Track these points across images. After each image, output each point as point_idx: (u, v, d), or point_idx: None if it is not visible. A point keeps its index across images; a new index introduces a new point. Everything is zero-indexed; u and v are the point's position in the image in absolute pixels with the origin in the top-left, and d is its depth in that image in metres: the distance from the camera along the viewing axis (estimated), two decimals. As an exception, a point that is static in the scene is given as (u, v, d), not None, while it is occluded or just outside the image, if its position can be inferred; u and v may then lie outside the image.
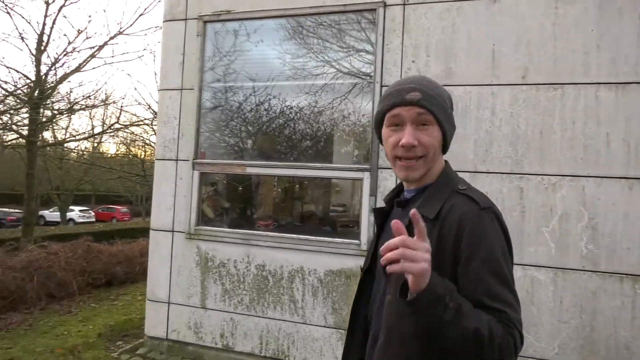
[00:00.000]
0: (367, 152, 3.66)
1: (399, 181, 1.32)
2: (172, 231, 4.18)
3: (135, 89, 38.04)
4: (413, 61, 3.55)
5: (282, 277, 3.86)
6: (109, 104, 9.84)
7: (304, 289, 3.76)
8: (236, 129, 4.29)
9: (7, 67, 7.82)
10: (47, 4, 8.26)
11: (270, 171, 4.08)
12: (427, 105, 1.17)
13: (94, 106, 9.16)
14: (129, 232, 12.88)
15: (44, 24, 8.31)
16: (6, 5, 7.24)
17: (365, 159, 3.71)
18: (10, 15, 7.44)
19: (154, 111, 11.96)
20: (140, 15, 9.27)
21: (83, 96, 9.32)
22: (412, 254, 0.93)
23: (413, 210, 0.96)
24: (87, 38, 8.66)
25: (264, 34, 4.10)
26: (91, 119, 14.25)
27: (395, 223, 0.95)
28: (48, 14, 8.29)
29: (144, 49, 9.33)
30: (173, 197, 4.18)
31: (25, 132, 8.43)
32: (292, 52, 3.99)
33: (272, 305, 3.86)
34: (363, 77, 3.77)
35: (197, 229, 4.08)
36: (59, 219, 28.83)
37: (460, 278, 1.07)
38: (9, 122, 8.51)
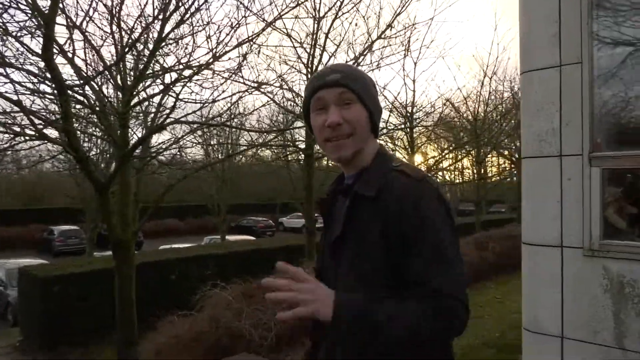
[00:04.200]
0: None
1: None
2: (561, 246, 3.31)
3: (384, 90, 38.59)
4: None
5: None
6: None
7: None
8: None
9: (290, 90, 8.24)
10: (316, 19, 8.51)
11: None
12: (348, 84, 1.19)
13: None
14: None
15: (315, 42, 8.62)
16: (287, 30, 7.53)
17: None
18: (292, 39, 7.75)
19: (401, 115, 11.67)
20: (397, 14, 8.82)
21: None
22: (299, 298, 1.00)
23: (278, 264, 1.05)
24: (349, 46, 8.67)
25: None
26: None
27: (280, 265, 1.04)
28: (316, 31, 8.60)
29: (406, 49, 8.89)
30: (558, 202, 3.31)
31: (302, 147, 8.97)
32: None
33: None
34: None
35: (603, 243, 3.11)
36: (297, 226, 32.00)
37: (404, 256, 1.08)
38: (290, 138, 9.22)
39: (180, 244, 16.17)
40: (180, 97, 5.42)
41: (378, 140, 1.30)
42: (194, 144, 7.81)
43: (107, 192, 5.73)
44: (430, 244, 1.06)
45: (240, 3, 5.53)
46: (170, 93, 5.47)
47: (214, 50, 4.64)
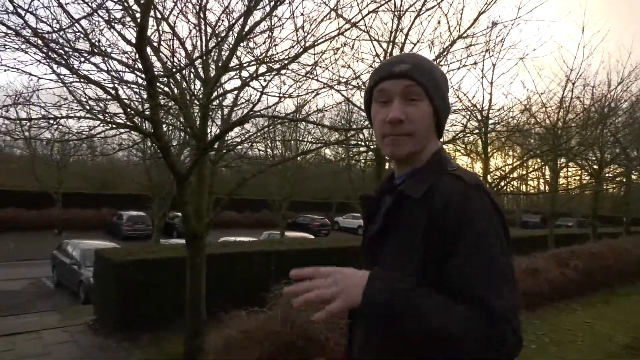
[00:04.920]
0: None
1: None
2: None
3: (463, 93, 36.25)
4: None
5: None
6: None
7: None
8: None
9: (359, 88, 7.99)
10: (398, 17, 8.24)
11: None
12: (417, 77, 1.09)
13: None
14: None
15: (394, 39, 8.35)
16: (367, 30, 7.26)
17: None
18: (370, 36, 7.52)
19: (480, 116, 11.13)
20: (481, 13, 8.35)
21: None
22: (325, 294, 0.94)
23: (292, 272, 0.98)
24: (429, 45, 8.33)
25: None
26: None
27: (294, 273, 0.98)
28: (396, 28, 8.32)
29: (490, 49, 8.39)
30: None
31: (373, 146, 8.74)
32: None
33: None
34: None
35: None
36: (353, 226, 31.89)
37: (448, 262, 0.98)
38: (363, 137, 9.04)
39: (240, 237, 16.43)
40: (264, 90, 5.36)
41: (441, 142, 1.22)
42: (268, 139, 7.83)
43: (186, 183, 5.79)
44: (478, 253, 0.96)
45: (324, 3, 5.40)
46: (254, 86, 5.43)
47: (303, 43, 4.52)
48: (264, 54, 4.92)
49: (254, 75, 4.98)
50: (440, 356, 0.94)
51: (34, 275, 15.04)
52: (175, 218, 25.25)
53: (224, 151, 6.90)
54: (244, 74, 5.98)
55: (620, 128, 15.02)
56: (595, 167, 15.86)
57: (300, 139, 11.87)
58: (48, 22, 4.79)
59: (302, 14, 4.52)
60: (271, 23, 5.24)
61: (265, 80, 5.20)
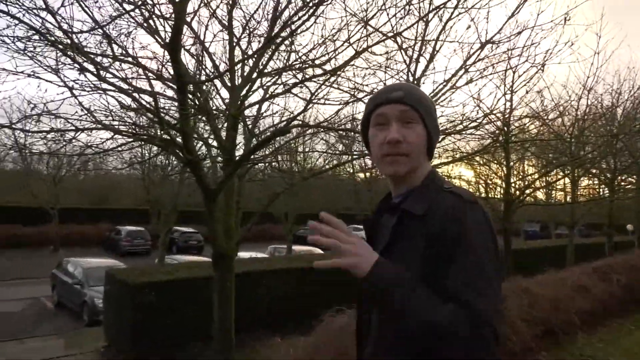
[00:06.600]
0: None
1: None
2: None
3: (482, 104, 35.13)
4: None
5: None
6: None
7: None
8: None
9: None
10: (425, 22, 7.87)
11: None
12: (411, 103, 1.21)
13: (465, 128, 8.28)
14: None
15: (421, 47, 7.96)
16: (395, 36, 6.84)
17: None
18: (400, 47, 7.10)
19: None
20: (511, 16, 7.98)
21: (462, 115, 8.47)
22: (341, 248, 1.03)
23: (322, 213, 1.08)
24: (455, 52, 7.94)
25: None
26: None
27: (324, 215, 1.07)
28: (424, 35, 7.93)
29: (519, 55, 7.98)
30: None
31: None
32: None
33: None
34: None
35: None
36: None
37: (443, 273, 1.06)
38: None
39: (247, 253, 15.80)
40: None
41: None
42: (297, 151, 7.39)
43: (216, 199, 5.33)
44: (470, 262, 1.05)
45: (353, 14, 4.98)
46: (297, 93, 5.00)
47: (358, 46, 4.11)
48: (311, 58, 4.50)
49: (302, 79, 4.55)
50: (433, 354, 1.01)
51: (32, 295, 14.33)
52: (175, 232, 24.57)
53: (250, 165, 6.44)
54: (276, 81, 5.57)
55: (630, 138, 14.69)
56: (608, 175, 15.59)
57: (317, 150, 11.43)
58: (69, 25, 4.35)
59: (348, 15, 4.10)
60: (308, 28, 4.82)
61: (307, 87, 4.76)
